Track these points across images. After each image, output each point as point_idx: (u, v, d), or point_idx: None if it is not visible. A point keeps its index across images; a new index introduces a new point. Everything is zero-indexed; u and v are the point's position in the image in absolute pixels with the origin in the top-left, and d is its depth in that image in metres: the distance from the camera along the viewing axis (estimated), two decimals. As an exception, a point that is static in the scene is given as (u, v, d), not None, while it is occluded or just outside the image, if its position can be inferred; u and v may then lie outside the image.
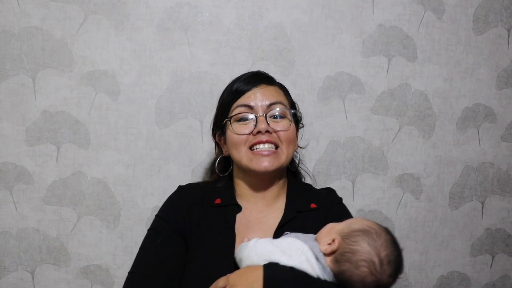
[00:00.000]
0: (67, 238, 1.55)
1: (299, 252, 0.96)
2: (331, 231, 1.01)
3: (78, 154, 1.53)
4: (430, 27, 1.70)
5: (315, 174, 1.67)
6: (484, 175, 1.84)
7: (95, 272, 1.58)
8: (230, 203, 1.20)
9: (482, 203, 1.85)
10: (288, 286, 0.90)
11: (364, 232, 0.96)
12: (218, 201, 1.20)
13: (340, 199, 1.31)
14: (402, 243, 1.74)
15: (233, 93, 1.20)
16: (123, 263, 1.59)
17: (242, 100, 1.17)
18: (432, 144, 1.76)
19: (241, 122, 1.17)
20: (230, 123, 1.17)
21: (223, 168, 1.29)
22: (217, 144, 1.30)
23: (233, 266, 1.05)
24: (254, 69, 1.58)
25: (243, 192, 1.23)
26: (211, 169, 1.35)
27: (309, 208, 1.21)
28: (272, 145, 1.14)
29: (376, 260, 0.92)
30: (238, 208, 1.20)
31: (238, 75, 1.27)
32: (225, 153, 1.25)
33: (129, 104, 1.53)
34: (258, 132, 1.13)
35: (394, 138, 1.73)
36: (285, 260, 0.94)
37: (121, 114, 1.53)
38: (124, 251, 1.58)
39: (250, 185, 1.21)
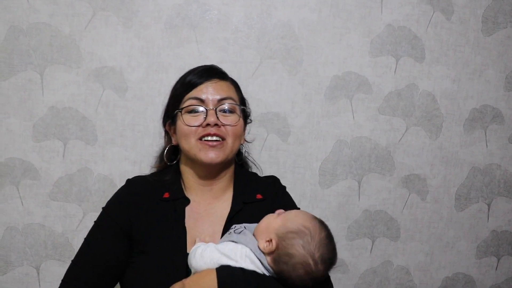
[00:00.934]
0: (73, 234, 1.56)
1: (243, 256, 1.02)
2: (269, 228, 1.05)
3: (84, 150, 1.53)
4: (439, 28, 1.69)
5: (321, 173, 1.67)
6: (490, 176, 1.83)
7: (100, 268, 1.58)
8: (179, 196, 1.21)
9: (488, 205, 1.84)
10: (241, 285, 0.97)
11: (299, 233, 1.01)
12: (166, 195, 1.21)
13: (284, 187, 1.36)
14: (407, 243, 1.76)
15: (185, 85, 1.22)
16: (128, 260, 1.59)
17: (194, 92, 1.20)
18: (439, 145, 1.76)
19: (192, 114, 1.19)
20: (181, 114, 1.19)
21: (171, 157, 1.31)
22: (166, 133, 1.32)
23: (186, 261, 1.08)
24: (262, 68, 1.58)
25: (191, 184, 1.24)
26: (160, 157, 1.36)
27: (255, 199, 1.25)
28: (219, 138, 1.17)
29: (311, 262, 0.99)
30: (187, 201, 1.21)
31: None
32: (174, 142, 1.27)
33: (136, 101, 1.53)
34: (207, 124, 1.16)
35: (401, 139, 1.72)
36: (233, 265, 1.01)
37: (128, 111, 1.53)
38: (129, 248, 1.58)
39: (198, 176, 1.23)
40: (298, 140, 1.64)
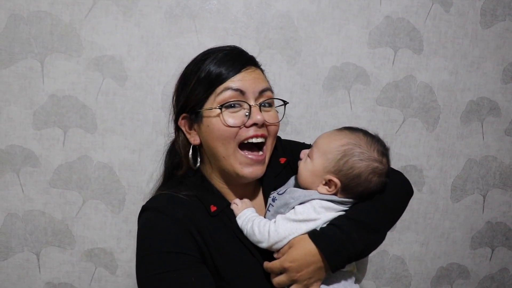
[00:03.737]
0: (72, 221, 1.58)
1: (318, 210, 0.95)
2: (315, 173, 0.98)
3: (84, 138, 1.54)
4: (437, 20, 1.70)
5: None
6: (486, 168, 1.85)
7: (99, 255, 1.60)
8: (225, 205, 1.03)
9: (484, 197, 1.86)
10: (347, 243, 0.89)
11: (347, 154, 0.96)
12: (213, 208, 1.01)
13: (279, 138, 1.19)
14: (403, 233, 1.79)
15: (217, 75, 0.99)
16: (127, 247, 1.61)
17: (230, 83, 0.98)
18: (435, 136, 1.77)
19: (230, 110, 0.98)
20: (221, 111, 0.97)
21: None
22: (179, 129, 1.07)
23: (262, 272, 0.97)
24: (261, 58, 1.58)
25: (222, 189, 1.07)
26: (171, 161, 1.12)
27: (281, 164, 1.13)
28: (263, 139, 1.00)
29: (377, 164, 0.96)
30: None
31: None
32: (194, 142, 1.04)
33: (136, 90, 1.54)
34: (254, 124, 0.97)
35: (398, 130, 1.73)
36: (313, 226, 0.94)
37: (128, 100, 1.54)
38: (128, 235, 1.60)
39: (228, 184, 1.06)
40: (296, 130, 1.66)
